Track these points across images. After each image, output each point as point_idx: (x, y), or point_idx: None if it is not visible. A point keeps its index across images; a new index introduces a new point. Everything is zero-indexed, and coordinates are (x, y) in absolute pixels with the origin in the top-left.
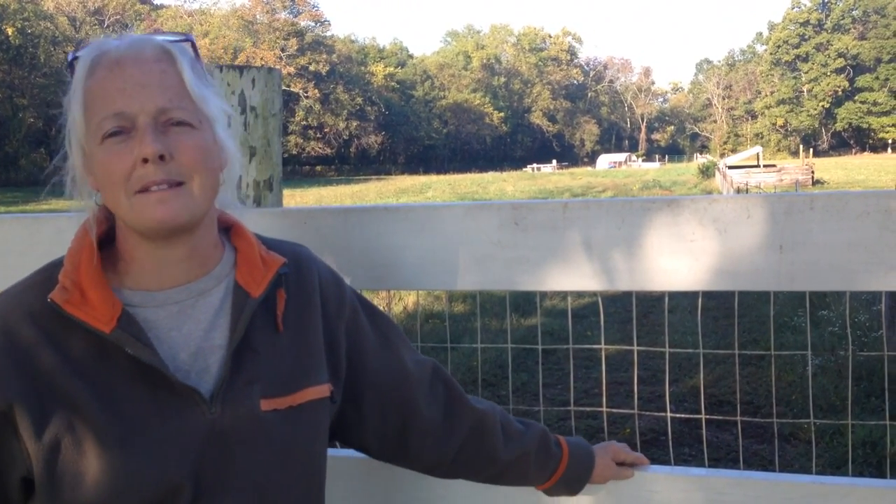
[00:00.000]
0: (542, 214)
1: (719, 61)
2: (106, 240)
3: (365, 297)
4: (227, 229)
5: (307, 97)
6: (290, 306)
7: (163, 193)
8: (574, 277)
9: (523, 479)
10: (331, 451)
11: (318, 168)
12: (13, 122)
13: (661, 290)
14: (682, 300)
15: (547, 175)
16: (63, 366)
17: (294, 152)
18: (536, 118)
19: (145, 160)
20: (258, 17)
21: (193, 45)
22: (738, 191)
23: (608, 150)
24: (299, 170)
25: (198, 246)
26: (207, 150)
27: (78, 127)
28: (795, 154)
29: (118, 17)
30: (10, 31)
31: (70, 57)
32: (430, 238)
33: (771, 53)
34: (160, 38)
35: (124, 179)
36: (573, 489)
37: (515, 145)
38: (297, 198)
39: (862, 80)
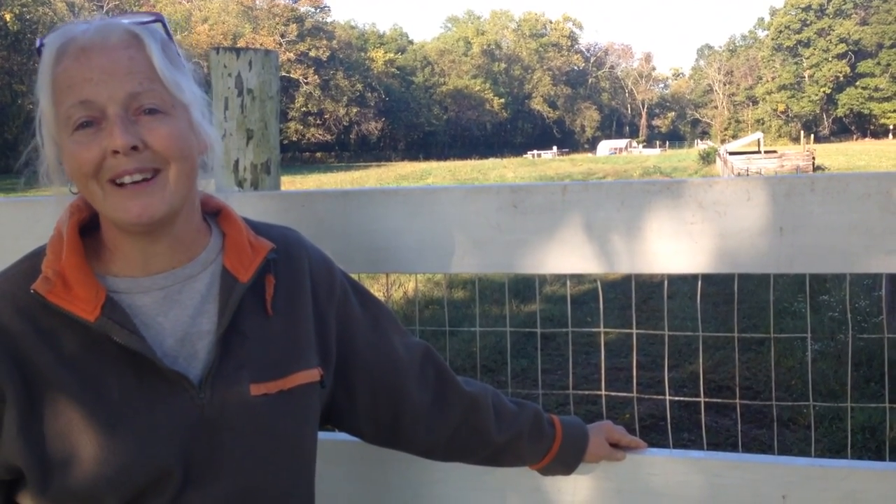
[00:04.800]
0: (541, 197)
1: (720, 47)
2: (89, 226)
3: (356, 280)
4: (215, 213)
5: (307, 83)
6: (279, 291)
7: (137, 187)
8: (574, 260)
9: (518, 459)
10: (328, 436)
11: (318, 154)
12: (12, 108)
13: (661, 273)
14: (682, 286)
15: (547, 161)
16: (49, 354)
17: (294, 139)
18: (537, 104)
19: (116, 152)
20: (257, 2)
21: (165, 26)
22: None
23: (609, 137)
24: (299, 156)
25: (180, 233)
26: (182, 136)
27: (47, 117)
28: (796, 140)
29: (117, 2)
30: (8, 16)
31: (38, 43)
32: (428, 221)
33: (772, 39)
34: (128, 20)
35: (94, 170)
36: (567, 468)
37: (516, 131)
38: (297, 184)
39: (863, 66)
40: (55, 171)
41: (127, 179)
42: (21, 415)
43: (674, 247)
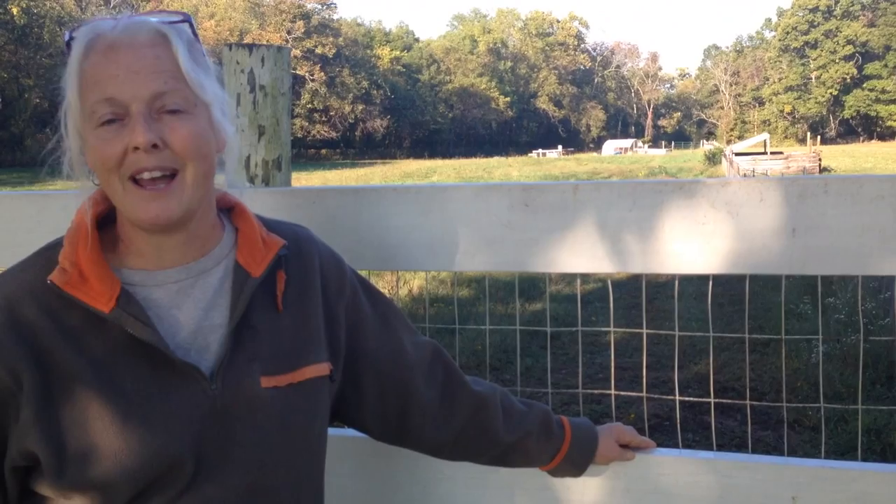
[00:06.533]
0: (553, 196)
1: (727, 47)
2: (106, 219)
3: (365, 278)
4: (229, 209)
5: (313, 80)
6: (290, 287)
7: (156, 190)
8: (585, 259)
9: (526, 460)
10: (336, 432)
11: (324, 151)
12: (19, 102)
13: (673, 274)
14: (687, 287)
15: (552, 160)
16: (65, 344)
17: (299, 135)
18: (542, 103)
19: (137, 148)
20: None
21: (191, 26)
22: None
23: (614, 136)
24: (304, 153)
25: (195, 230)
26: (202, 136)
27: (73, 110)
28: (803, 141)
29: None
30: (15, 10)
31: (66, 37)
32: (439, 219)
33: (779, 40)
34: (156, 18)
35: (116, 165)
36: (577, 469)
37: (521, 130)
38: (303, 181)
39: (870, 68)
40: (77, 162)
41: (146, 175)
42: (38, 403)
43: (686, 247)
